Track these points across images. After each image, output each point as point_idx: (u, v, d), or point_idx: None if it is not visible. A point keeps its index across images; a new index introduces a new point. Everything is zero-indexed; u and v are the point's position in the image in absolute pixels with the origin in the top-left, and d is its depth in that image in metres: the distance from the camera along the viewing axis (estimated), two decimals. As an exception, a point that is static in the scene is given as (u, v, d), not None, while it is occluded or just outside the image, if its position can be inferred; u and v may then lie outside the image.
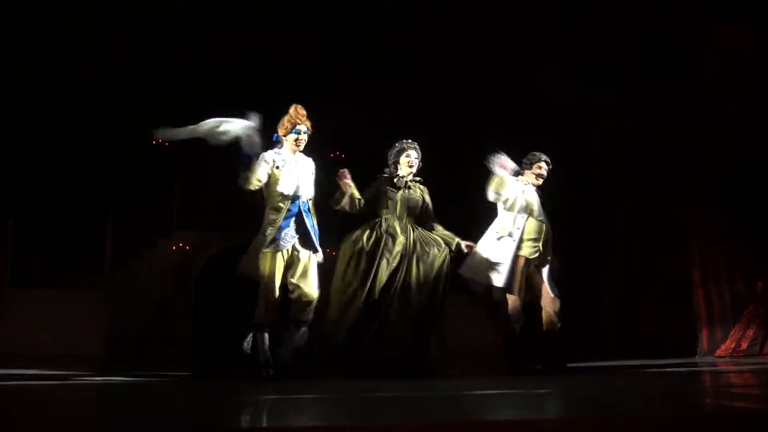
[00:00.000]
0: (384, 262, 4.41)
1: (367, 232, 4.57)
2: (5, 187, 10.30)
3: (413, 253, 4.49)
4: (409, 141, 4.77)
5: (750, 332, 7.03)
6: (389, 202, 4.65)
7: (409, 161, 4.70)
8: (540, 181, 4.96)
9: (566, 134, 8.06)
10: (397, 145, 4.78)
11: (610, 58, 7.54)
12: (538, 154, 4.99)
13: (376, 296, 4.35)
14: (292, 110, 4.26)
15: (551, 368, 4.70)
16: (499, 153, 4.73)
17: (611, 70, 7.59)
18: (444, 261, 4.56)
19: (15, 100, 9.95)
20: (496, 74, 8.57)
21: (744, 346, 7.03)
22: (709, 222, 7.51)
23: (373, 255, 4.45)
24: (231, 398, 3.16)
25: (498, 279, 4.73)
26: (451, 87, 9.17)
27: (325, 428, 2.22)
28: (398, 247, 4.47)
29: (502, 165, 4.73)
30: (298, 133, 4.24)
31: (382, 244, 4.47)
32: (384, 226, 4.57)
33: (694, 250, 7.59)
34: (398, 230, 4.55)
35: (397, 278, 4.41)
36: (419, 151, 4.77)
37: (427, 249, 4.55)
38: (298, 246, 4.19)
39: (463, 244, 4.72)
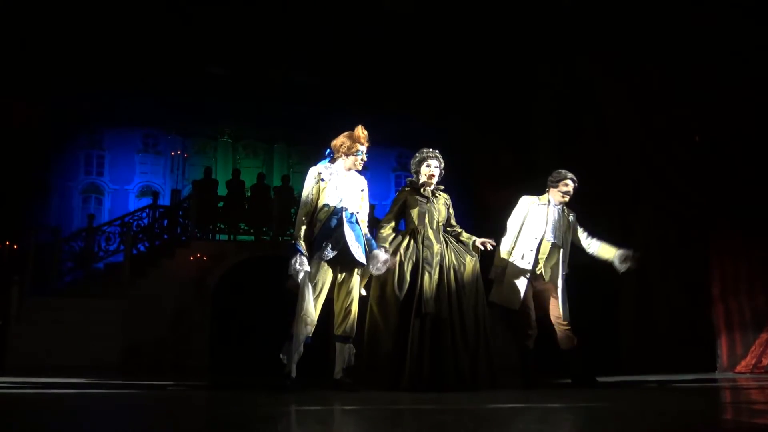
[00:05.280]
0: (427, 276, 4.35)
1: (405, 242, 4.49)
2: (28, 198, 10.46)
3: (449, 262, 4.46)
4: (431, 150, 4.67)
5: (771, 348, 6.91)
6: (418, 212, 4.56)
7: (429, 171, 4.60)
8: (566, 199, 4.87)
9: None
10: (418, 154, 4.68)
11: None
12: (563, 171, 4.90)
13: (429, 309, 4.27)
14: (357, 132, 4.28)
15: (581, 382, 4.71)
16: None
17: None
18: (477, 269, 4.54)
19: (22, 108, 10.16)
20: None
21: (765, 362, 6.91)
22: (729, 235, 7.43)
23: (415, 268, 4.39)
24: (248, 409, 3.17)
25: (518, 301, 4.74)
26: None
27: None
28: (437, 258, 4.42)
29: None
30: (361, 153, 4.29)
31: (421, 255, 4.40)
32: (419, 236, 4.50)
33: (713, 264, 7.50)
34: (433, 240, 4.49)
35: (443, 290, 4.35)
36: (441, 160, 4.66)
37: (462, 258, 4.52)
38: (344, 259, 4.17)
39: (479, 241, 4.64)
